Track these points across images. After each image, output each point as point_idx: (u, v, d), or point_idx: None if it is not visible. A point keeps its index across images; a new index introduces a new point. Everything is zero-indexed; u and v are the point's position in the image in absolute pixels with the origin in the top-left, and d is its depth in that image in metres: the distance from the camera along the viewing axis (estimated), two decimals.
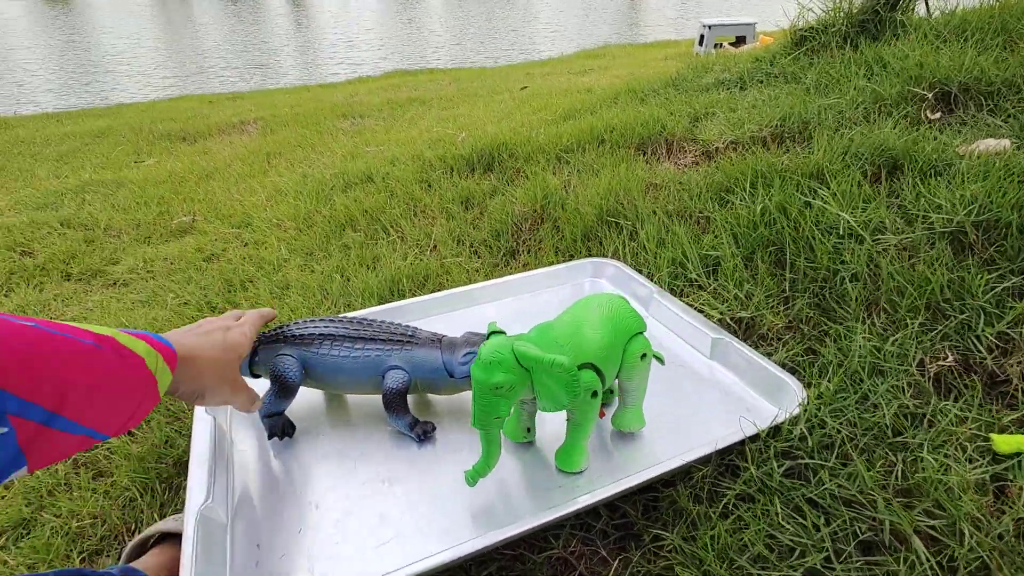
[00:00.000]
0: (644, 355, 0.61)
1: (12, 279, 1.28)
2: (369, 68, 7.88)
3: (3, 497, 0.74)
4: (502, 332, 0.60)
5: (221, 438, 0.70)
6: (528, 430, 0.66)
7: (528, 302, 0.97)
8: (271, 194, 1.75)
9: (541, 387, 0.57)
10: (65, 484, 0.75)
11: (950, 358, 0.68)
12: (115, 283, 1.29)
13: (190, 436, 0.75)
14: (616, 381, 0.65)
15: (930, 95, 1.14)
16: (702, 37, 4.22)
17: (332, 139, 2.37)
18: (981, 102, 1.12)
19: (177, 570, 0.53)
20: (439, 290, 1.00)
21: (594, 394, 0.58)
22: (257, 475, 0.66)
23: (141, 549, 0.59)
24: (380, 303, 0.98)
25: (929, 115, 1.14)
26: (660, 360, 0.66)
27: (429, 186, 1.58)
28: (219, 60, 9.69)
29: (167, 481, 0.73)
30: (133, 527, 0.68)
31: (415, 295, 1.02)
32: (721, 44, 4.07)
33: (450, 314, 0.94)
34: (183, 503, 0.66)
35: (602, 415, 0.68)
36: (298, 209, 1.56)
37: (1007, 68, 1.14)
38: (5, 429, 0.34)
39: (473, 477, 0.56)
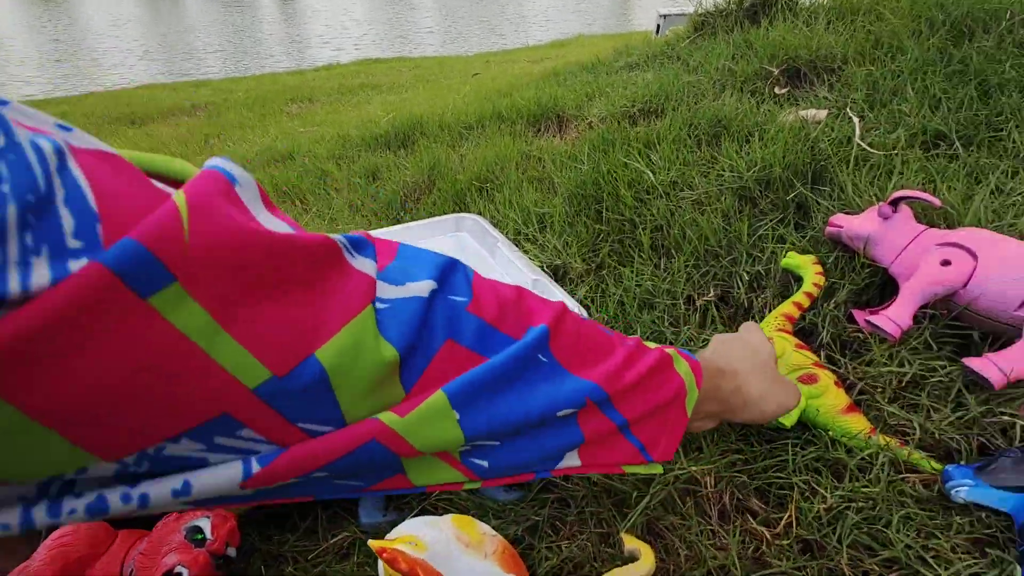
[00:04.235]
0: None
1: None
2: (347, 57, 7.92)
3: None
4: None
5: None
6: None
7: None
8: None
9: None
10: None
11: (711, 294, 0.77)
12: None
13: None
14: None
15: (776, 71, 1.23)
16: (659, 26, 4.29)
17: (274, 122, 2.44)
18: (824, 78, 1.21)
19: None
20: None
21: None
22: None
23: None
24: None
25: (777, 90, 1.23)
26: None
27: (343, 160, 1.66)
28: (204, 51, 9.69)
29: None
30: None
31: None
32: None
33: None
34: None
35: None
36: None
37: (850, 45, 1.23)
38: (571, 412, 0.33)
39: None
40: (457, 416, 0.29)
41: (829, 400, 0.56)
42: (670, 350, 0.38)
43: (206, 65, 8.23)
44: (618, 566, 0.51)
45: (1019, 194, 0.71)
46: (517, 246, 0.98)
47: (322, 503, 0.64)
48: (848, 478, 0.52)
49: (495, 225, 1.06)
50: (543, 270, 0.90)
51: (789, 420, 0.56)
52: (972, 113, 0.89)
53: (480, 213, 1.12)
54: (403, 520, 0.60)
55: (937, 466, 0.51)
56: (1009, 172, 0.77)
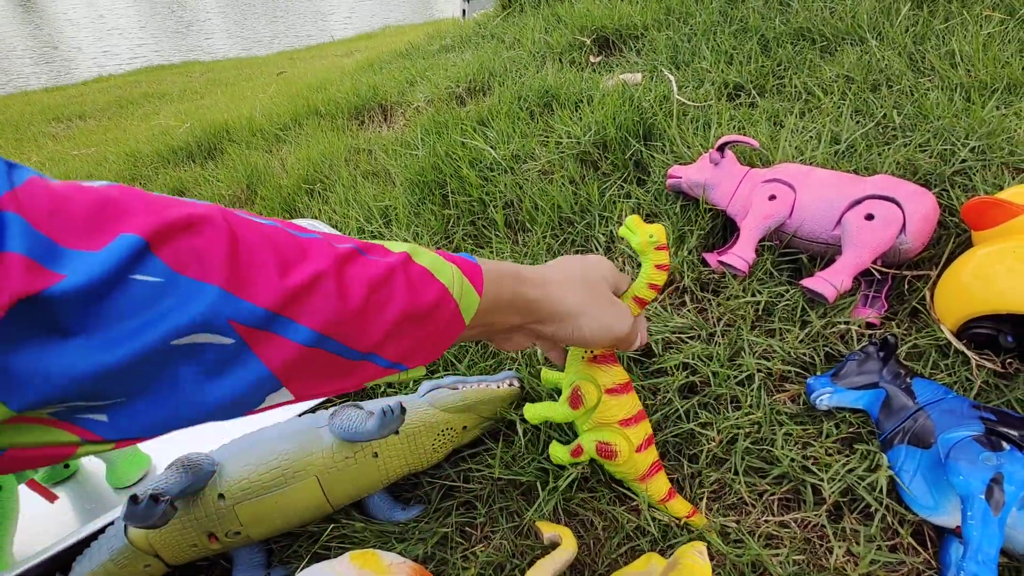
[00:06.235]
0: None
1: None
2: (122, 66, 6.87)
3: None
4: None
5: None
6: None
7: None
8: None
9: None
10: None
11: None
12: None
13: None
14: None
15: (589, 41, 1.28)
16: (464, 11, 4.32)
17: (34, 147, 2.03)
18: (631, 44, 1.28)
19: None
20: None
21: None
22: None
23: None
24: None
25: (592, 59, 1.28)
26: None
27: (140, 183, 1.43)
28: None
29: None
30: None
31: None
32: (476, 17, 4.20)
33: None
34: None
35: (52, 498, 0.58)
36: None
37: (647, 14, 1.31)
38: (230, 340, 0.25)
39: None
40: None
41: (628, 469, 0.50)
42: (427, 254, 0.34)
43: None
44: (540, 556, 0.48)
45: (810, 131, 0.80)
46: None
47: None
48: (734, 408, 0.55)
49: (335, 227, 0.97)
50: None
51: (531, 414, 0.51)
52: (759, 65, 0.99)
53: (315, 217, 1.02)
54: (294, 573, 0.52)
55: (698, 524, 0.49)
56: (797, 113, 0.86)
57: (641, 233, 0.46)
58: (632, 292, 0.48)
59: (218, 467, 0.50)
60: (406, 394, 0.63)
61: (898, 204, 0.58)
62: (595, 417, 0.49)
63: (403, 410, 0.50)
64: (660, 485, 0.50)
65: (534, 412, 0.52)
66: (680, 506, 0.50)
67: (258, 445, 0.51)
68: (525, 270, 0.40)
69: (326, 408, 0.57)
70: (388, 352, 0.32)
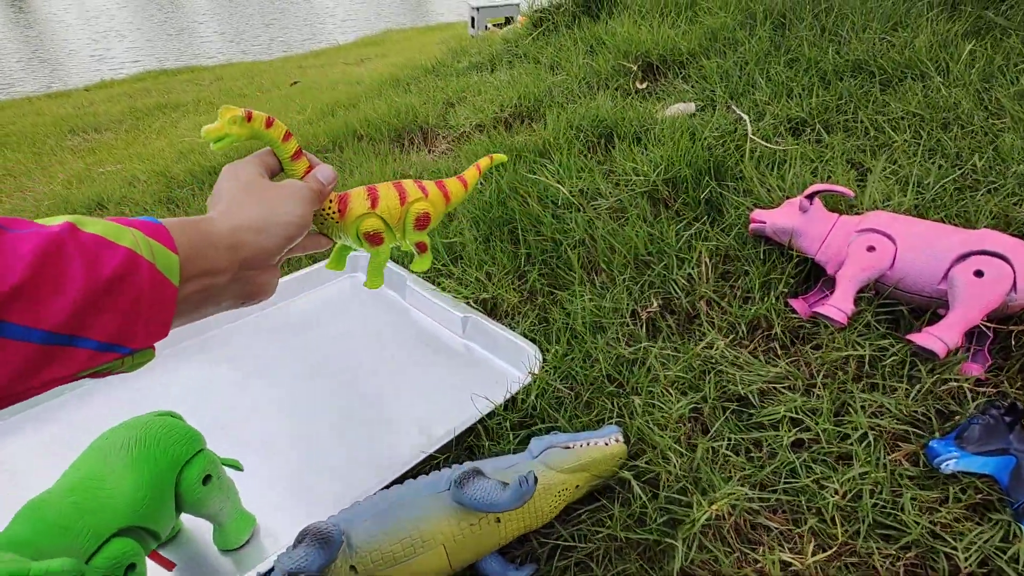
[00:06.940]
0: (208, 477, 0.55)
1: None
2: (117, 71, 6.81)
3: None
4: None
5: None
6: None
7: (284, 311, 0.92)
8: None
9: None
10: None
11: (655, 304, 0.77)
12: None
13: None
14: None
15: (635, 67, 1.28)
16: (473, 19, 4.32)
17: (57, 161, 2.00)
18: (676, 71, 1.28)
19: None
20: None
21: (131, 568, 0.48)
22: None
23: None
24: None
25: (638, 85, 1.27)
26: (236, 467, 0.61)
27: (177, 206, 1.41)
28: None
29: None
30: None
31: None
32: (487, 26, 4.20)
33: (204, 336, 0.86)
34: None
35: (170, 566, 0.57)
36: None
37: (692, 40, 1.31)
38: None
39: None
40: None
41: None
42: (96, 223, 0.31)
43: None
44: None
45: (895, 176, 0.80)
46: (432, 282, 0.90)
47: None
48: (852, 459, 0.55)
49: (395, 261, 0.97)
50: (471, 305, 0.84)
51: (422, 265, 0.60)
52: (820, 100, 0.99)
53: None
54: None
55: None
56: (869, 151, 0.87)
57: (227, 125, 0.41)
58: (288, 169, 0.45)
59: (345, 536, 0.49)
60: (508, 450, 0.63)
61: (1007, 260, 0.59)
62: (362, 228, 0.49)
63: (536, 479, 0.50)
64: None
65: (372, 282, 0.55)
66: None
67: (382, 513, 0.51)
68: (199, 218, 0.38)
69: (439, 469, 0.56)
70: (95, 331, 0.30)
